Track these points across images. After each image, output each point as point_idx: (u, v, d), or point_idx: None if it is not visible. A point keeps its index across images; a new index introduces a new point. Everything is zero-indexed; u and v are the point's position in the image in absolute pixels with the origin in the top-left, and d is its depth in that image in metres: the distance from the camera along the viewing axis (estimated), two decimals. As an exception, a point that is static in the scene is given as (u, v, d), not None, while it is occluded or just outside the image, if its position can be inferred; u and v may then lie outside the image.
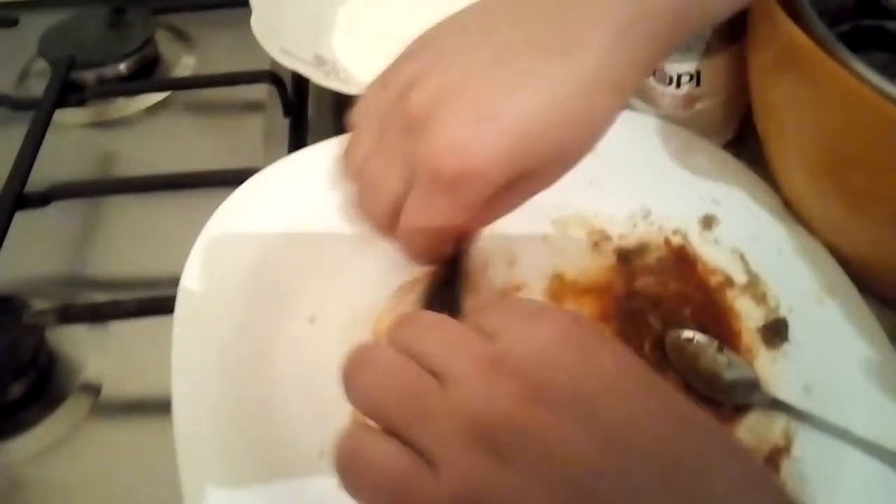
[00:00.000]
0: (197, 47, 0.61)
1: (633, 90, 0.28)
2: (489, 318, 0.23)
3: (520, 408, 0.20)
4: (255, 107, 0.54)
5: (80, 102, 0.50)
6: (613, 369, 0.21)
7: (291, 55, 0.47)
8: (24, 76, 0.58)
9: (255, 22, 0.47)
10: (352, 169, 0.30)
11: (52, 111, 0.49)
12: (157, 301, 0.37)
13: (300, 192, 0.40)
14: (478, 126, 0.26)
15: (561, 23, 0.28)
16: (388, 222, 0.29)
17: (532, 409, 0.20)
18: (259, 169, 0.41)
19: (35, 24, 0.58)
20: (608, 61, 0.27)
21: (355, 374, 0.23)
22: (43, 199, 0.43)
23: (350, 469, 0.22)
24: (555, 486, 0.19)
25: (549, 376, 0.20)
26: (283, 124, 0.52)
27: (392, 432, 0.22)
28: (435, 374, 0.22)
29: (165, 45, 0.60)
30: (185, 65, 0.59)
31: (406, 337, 0.24)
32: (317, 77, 0.45)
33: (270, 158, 0.47)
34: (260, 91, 0.54)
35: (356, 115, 0.31)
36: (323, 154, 0.41)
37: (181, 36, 0.61)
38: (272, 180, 0.40)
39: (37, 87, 0.54)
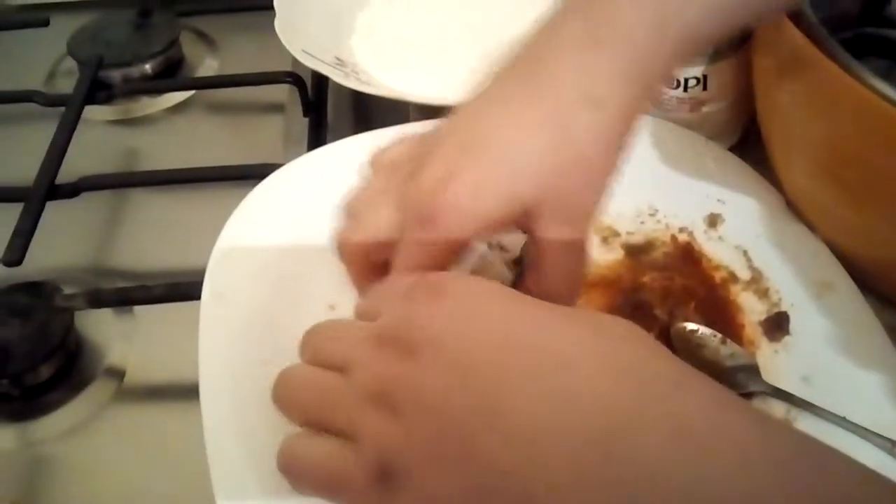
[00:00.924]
0: (220, 49, 0.63)
1: (626, 102, 0.27)
2: (371, 304, 0.27)
3: (398, 368, 0.23)
4: (275, 107, 0.56)
5: (108, 100, 0.52)
6: (469, 319, 0.23)
7: (312, 56, 0.48)
8: (53, 75, 0.60)
9: (279, 24, 0.49)
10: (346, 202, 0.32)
11: (82, 108, 0.51)
12: (184, 287, 0.38)
13: (320, 185, 0.41)
14: (451, 171, 0.27)
15: (536, 61, 0.29)
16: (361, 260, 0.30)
17: (407, 366, 0.23)
18: (280, 164, 0.43)
19: (65, 25, 0.61)
20: (577, 79, 0.27)
21: (277, 392, 0.27)
22: (73, 190, 0.45)
23: (289, 468, 0.25)
24: (444, 432, 0.22)
25: (414, 336, 0.23)
26: (302, 124, 0.53)
27: (319, 429, 0.25)
28: (337, 369, 0.25)
29: (190, 46, 0.62)
30: (209, 66, 0.61)
31: (308, 350, 0.28)
32: (337, 76, 0.46)
33: (289, 157, 0.49)
34: (280, 92, 0.55)
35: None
36: (342, 150, 0.43)
37: (205, 38, 0.63)
38: (294, 175, 0.42)
39: (66, 85, 0.57)
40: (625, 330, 0.23)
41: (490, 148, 0.27)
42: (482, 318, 0.23)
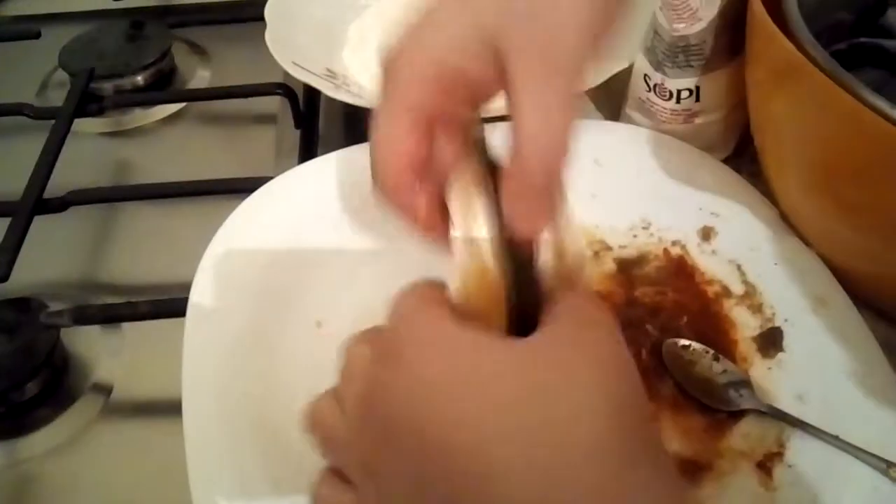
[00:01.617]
0: (212, 60, 0.62)
1: None
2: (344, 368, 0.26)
3: (374, 453, 0.22)
4: (266, 119, 0.56)
5: (99, 112, 0.51)
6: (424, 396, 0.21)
7: (303, 68, 0.48)
8: (44, 86, 0.60)
9: (269, 36, 0.49)
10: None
11: (71, 121, 0.50)
12: (169, 303, 0.38)
13: (309, 200, 0.41)
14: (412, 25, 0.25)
15: None
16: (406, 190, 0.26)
17: (382, 453, 0.22)
18: (270, 178, 0.42)
19: (56, 36, 0.60)
20: None
21: (306, 427, 0.26)
22: (61, 204, 0.45)
23: None
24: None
25: (380, 417, 0.22)
26: (293, 136, 0.53)
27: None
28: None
29: (182, 57, 0.62)
30: (201, 77, 0.61)
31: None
32: (327, 89, 0.46)
33: (281, 169, 0.48)
34: (272, 104, 0.55)
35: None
36: (332, 164, 0.43)
37: (197, 49, 0.63)
38: (282, 189, 0.41)
39: (57, 97, 0.56)
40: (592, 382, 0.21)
41: None
42: (437, 398, 0.21)
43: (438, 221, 0.27)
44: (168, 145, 0.55)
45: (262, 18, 0.50)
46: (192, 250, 0.39)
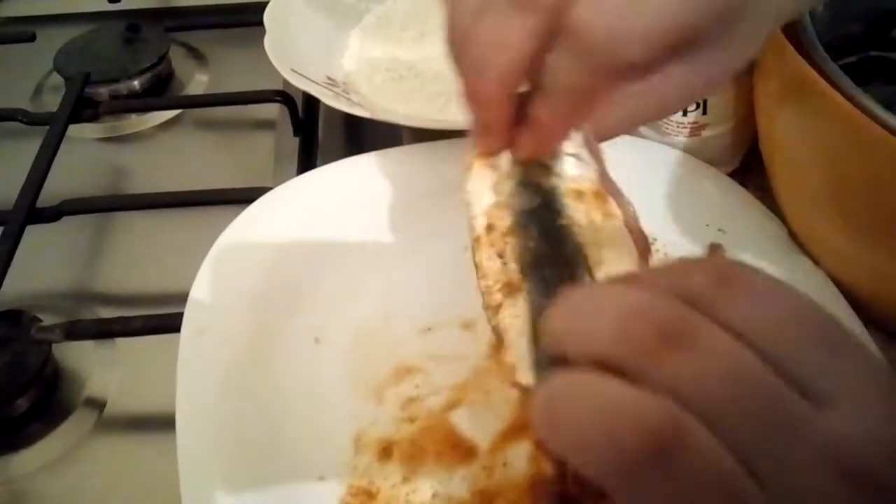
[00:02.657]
0: (210, 64, 0.61)
1: None
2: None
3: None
4: (266, 125, 0.55)
5: (94, 119, 0.50)
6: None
7: (302, 76, 0.47)
8: (39, 90, 0.59)
9: (268, 42, 0.48)
10: (458, 37, 0.25)
11: (66, 127, 0.50)
12: (163, 318, 0.37)
13: (307, 213, 0.40)
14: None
15: None
16: (508, 92, 0.25)
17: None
18: (268, 188, 0.42)
19: (51, 40, 0.59)
20: None
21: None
22: (54, 214, 0.44)
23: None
24: None
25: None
26: (293, 143, 0.52)
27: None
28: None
29: (179, 61, 0.61)
30: (199, 81, 0.60)
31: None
32: (326, 97, 0.45)
33: (279, 176, 0.48)
34: (271, 110, 0.54)
35: None
36: (330, 176, 0.42)
37: (195, 53, 0.62)
38: (280, 201, 0.40)
39: (52, 102, 0.55)
40: None
41: None
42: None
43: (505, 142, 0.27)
44: (165, 151, 0.54)
45: (261, 23, 0.50)
46: (188, 260, 0.38)
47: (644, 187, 0.41)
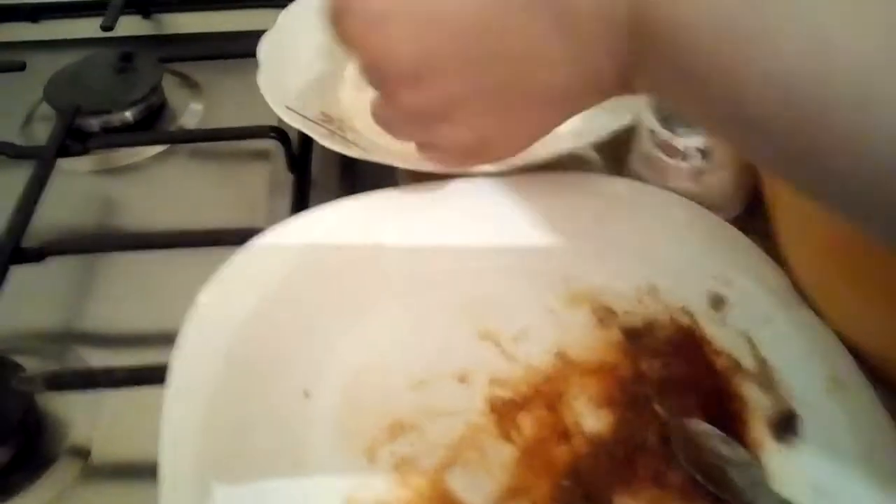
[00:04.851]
0: (204, 94, 0.61)
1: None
2: None
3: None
4: (260, 156, 0.54)
5: (83, 153, 0.49)
6: None
7: (296, 113, 0.46)
8: (29, 120, 0.58)
9: (262, 79, 0.47)
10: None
11: (54, 162, 0.48)
12: (149, 370, 0.36)
13: (296, 260, 0.39)
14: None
15: None
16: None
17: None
18: (259, 228, 0.41)
19: (42, 67, 0.58)
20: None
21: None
22: (38, 254, 0.43)
23: None
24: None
25: None
26: (287, 178, 0.51)
27: None
28: None
29: (172, 90, 0.60)
30: (193, 111, 0.59)
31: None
32: (321, 137, 0.44)
33: (273, 213, 0.47)
34: (266, 141, 0.53)
35: None
36: (321, 220, 0.41)
37: (188, 81, 0.61)
38: (268, 248, 0.39)
39: (42, 132, 0.54)
40: None
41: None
42: None
43: None
44: (158, 183, 0.53)
45: (254, 54, 0.49)
46: (177, 301, 0.36)
47: (643, 232, 0.41)
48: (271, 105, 0.46)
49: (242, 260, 0.38)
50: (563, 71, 0.31)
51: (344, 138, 0.46)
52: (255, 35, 0.51)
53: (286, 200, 0.50)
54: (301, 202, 0.50)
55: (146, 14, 0.67)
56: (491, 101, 0.34)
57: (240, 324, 0.36)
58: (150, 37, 0.65)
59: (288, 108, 0.46)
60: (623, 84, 0.30)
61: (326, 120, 0.48)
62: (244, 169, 0.54)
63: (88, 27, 0.64)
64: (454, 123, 0.35)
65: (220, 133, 0.51)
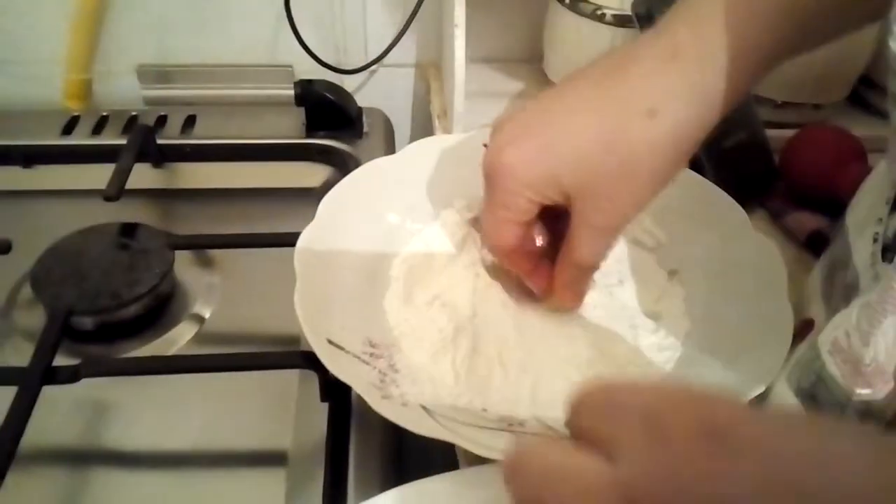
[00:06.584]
0: (217, 263, 0.52)
1: (683, 117, 0.32)
2: (598, 424, 0.22)
3: None
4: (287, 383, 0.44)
5: (73, 379, 0.39)
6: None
7: (340, 349, 0.38)
8: (11, 304, 0.48)
9: (299, 299, 0.38)
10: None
11: (38, 390, 0.39)
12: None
13: None
14: (512, 141, 0.34)
15: (616, 66, 0.34)
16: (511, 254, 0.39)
17: None
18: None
19: (30, 243, 0.49)
20: (642, 85, 0.33)
21: None
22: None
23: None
24: None
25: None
26: (321, 408, 0.42)
27: None
28: None
29: (184, 268, 0.51)
30: (207, 291, 0.50)
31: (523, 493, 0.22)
32: (371, 397, 0.35)
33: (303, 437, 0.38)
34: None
35: None
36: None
37: (203, 258, 0.52)
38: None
39: (26, 323, 0.46)
40: None
41: (545, 134, 0.34)
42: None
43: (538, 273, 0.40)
44: (162, 394, 0.44)
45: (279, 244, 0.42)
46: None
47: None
48: (311, 342, 0.37)
49: None
50: None
51: (398, 403, 0.36)
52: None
53: (320, 427, 0.41)
54: (338, 442, 0.40)
55: (157, 163, 0.58)
56: None
57: None
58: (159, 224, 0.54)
59: (330, 342, 0.38)
60: None
61: (373, 353, 0.39)
62: (268, 381, 0.44)
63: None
64: None
65: (237, 361, 0.41)
